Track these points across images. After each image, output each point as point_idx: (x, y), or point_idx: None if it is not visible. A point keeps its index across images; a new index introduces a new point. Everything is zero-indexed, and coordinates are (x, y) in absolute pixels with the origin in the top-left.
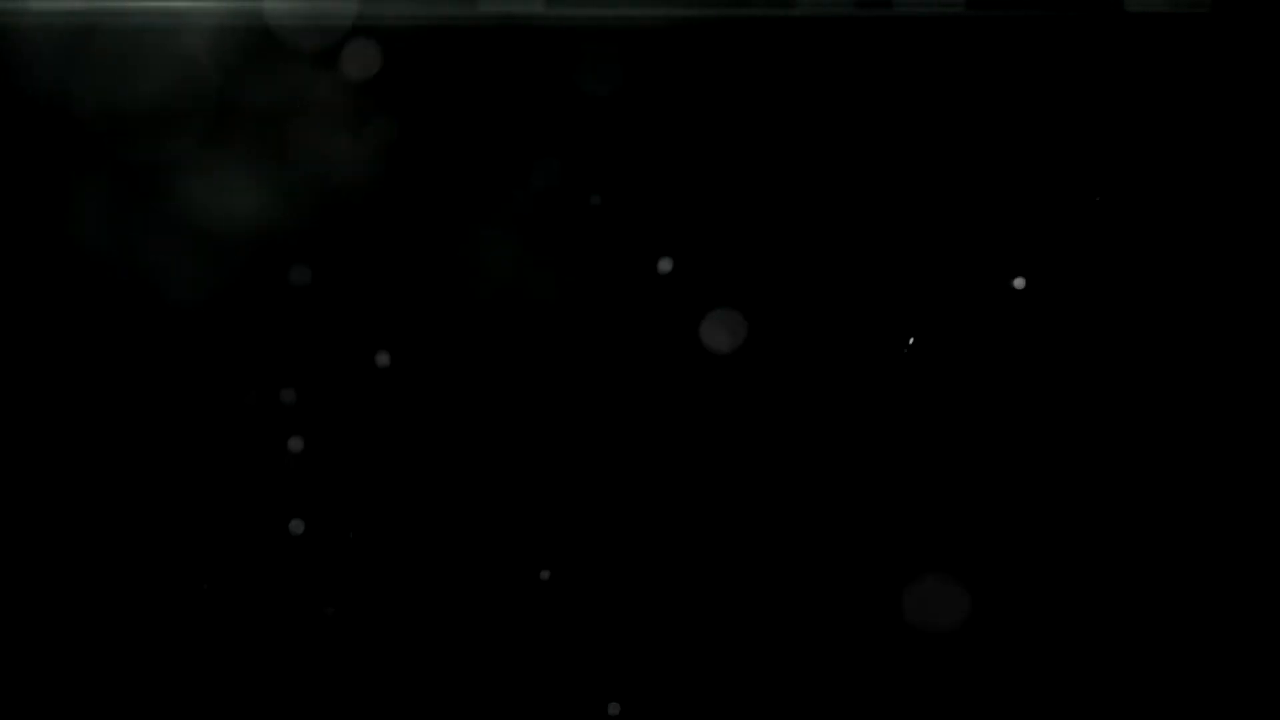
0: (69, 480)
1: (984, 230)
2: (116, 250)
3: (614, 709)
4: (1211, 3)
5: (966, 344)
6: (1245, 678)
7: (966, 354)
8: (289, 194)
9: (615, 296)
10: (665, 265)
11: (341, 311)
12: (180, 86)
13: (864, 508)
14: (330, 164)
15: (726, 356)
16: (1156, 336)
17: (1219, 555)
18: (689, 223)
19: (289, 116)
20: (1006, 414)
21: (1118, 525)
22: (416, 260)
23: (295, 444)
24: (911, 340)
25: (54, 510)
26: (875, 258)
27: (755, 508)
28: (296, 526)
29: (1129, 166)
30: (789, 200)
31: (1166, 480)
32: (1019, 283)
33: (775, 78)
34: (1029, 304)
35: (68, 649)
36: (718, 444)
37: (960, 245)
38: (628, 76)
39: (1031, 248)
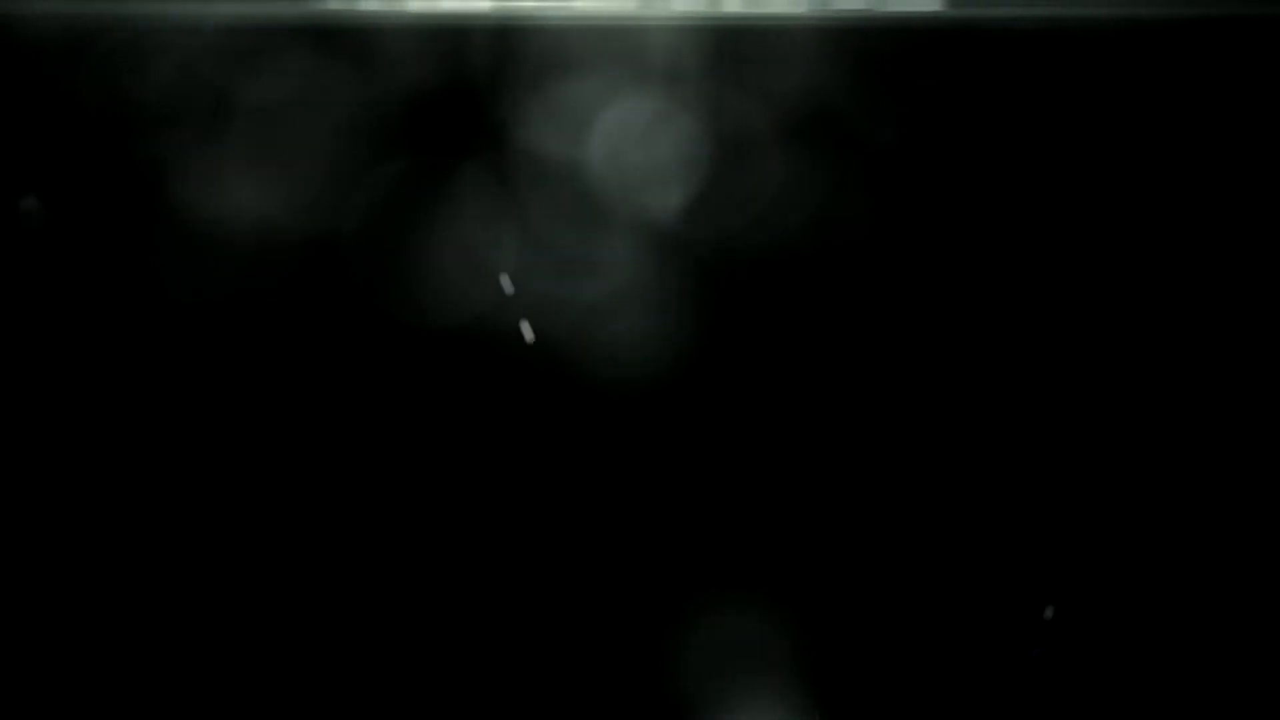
0: (71, 482)
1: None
2: (119, 249)
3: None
4: None
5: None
6: (1245, 678)
7: (975, 357)
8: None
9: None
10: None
11: (351, 314)
12: (191, 86)
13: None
14: (464, 166)
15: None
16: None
17: (1219, 555)
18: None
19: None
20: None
21: (1118, 526)
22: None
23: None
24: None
25: (58, 510)
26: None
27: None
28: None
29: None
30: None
31: (1167, 481)
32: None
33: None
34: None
35: (69, 649)
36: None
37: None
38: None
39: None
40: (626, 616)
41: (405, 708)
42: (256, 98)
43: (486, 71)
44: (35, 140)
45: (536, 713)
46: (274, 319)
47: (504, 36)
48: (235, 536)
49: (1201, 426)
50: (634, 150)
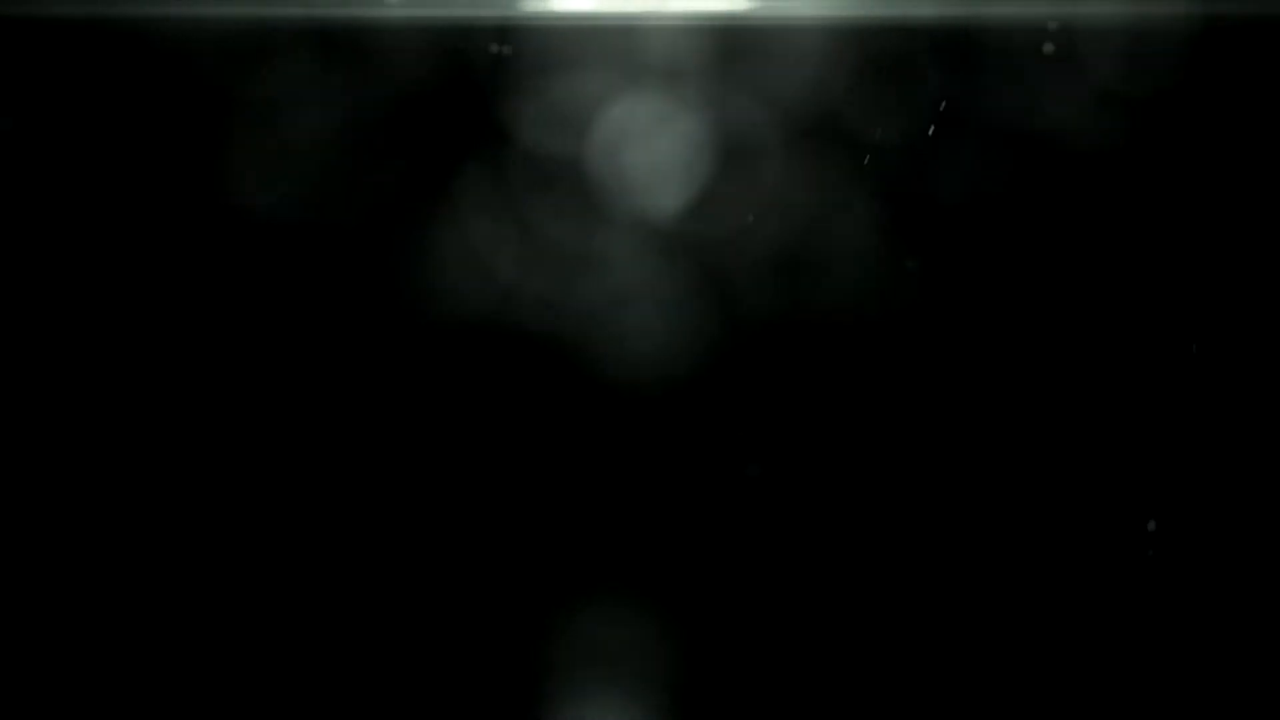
0: (76, 484)
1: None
2: (126, 247)
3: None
4: None
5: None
6: (1245, 678)
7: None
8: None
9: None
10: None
11: (349, 314)
12: (189, 86)
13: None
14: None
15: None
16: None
17: (1219, 556)
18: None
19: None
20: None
21: (1119, 527)
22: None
23: None
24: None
25: (60, 510)
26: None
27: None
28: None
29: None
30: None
31: (1167, 482)
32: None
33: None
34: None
35: (70, 649)
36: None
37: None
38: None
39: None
40: (626, 615)
41: (405, 706)
42: (254, 97)
43: (486, 71)
44: (35, 140)
45: (540, 711)
46: (273, 318)
47: (504, 36)
48: (232, 533)
49: (1201, 427)
50: (635, 149)
